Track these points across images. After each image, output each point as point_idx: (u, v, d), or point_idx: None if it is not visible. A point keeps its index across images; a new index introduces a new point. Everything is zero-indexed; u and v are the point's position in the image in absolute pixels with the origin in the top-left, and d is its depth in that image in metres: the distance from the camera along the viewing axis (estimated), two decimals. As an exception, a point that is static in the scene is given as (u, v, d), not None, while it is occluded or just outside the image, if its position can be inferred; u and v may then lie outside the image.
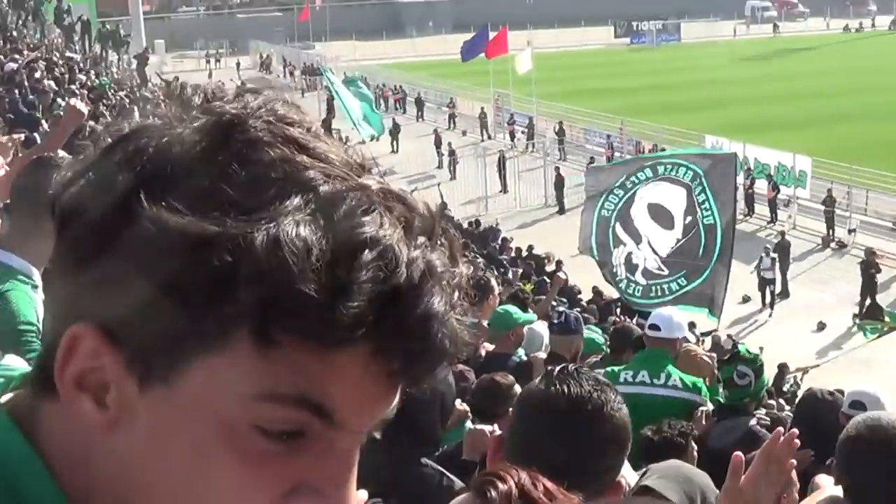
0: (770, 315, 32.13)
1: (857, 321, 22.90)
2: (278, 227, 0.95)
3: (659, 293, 18.73)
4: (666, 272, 18.79)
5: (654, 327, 8.14)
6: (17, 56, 29.46)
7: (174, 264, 0.95)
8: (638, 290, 19.11)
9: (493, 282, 10.27)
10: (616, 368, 8.12)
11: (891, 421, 3.92)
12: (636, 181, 18.76)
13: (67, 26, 47.48)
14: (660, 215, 18.67)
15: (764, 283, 32.67)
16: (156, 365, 0.99)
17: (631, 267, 19.01)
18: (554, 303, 18.80)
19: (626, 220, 18.91)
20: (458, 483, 5.32)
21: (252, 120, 1.02)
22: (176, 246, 0.95)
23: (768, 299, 32.89)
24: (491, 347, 9.06)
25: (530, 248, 34.03)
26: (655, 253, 18.82)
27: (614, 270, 19.34)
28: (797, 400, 7.79)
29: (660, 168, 18.80)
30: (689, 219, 18.42)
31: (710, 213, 18.22)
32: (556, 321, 9.43)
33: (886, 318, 23.54)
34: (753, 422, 7.75)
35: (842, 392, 7.85)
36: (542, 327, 9.77)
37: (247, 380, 0.98)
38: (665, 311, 8.37)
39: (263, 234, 0.94)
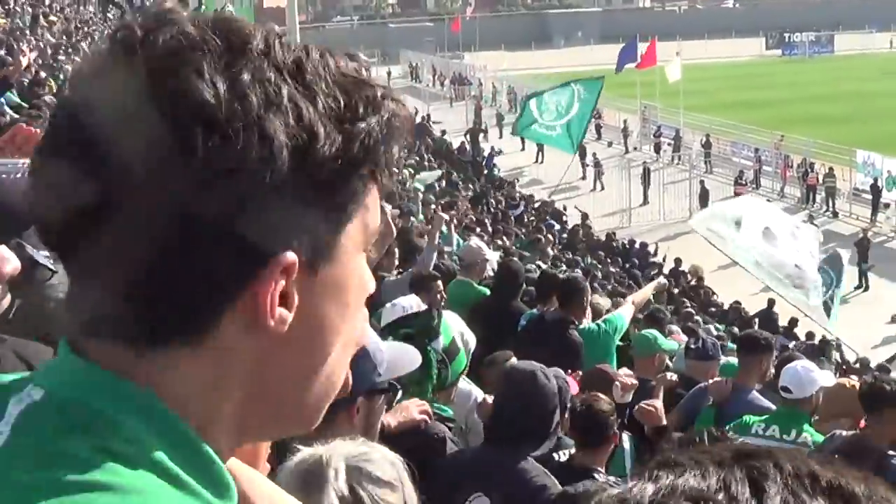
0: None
1: None
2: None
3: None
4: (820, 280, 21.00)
5: (786, 389, 7.93)
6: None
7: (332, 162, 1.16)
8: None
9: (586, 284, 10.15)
10: (750, 419, 7.98)
11: None
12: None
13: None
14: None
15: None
16: (324, 252, 1.19)
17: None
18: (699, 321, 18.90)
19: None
20: (556, 485, 5.28)
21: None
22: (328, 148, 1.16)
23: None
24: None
25: (677, 261, 33.58)
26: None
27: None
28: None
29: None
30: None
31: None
32: (693, 345, 9.44)
33: None
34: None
35: None
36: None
37: (373, 219, 1.25)
38: (796, 369, 8.10)
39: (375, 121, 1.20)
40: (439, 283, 9.86)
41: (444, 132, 53.07)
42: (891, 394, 7.12)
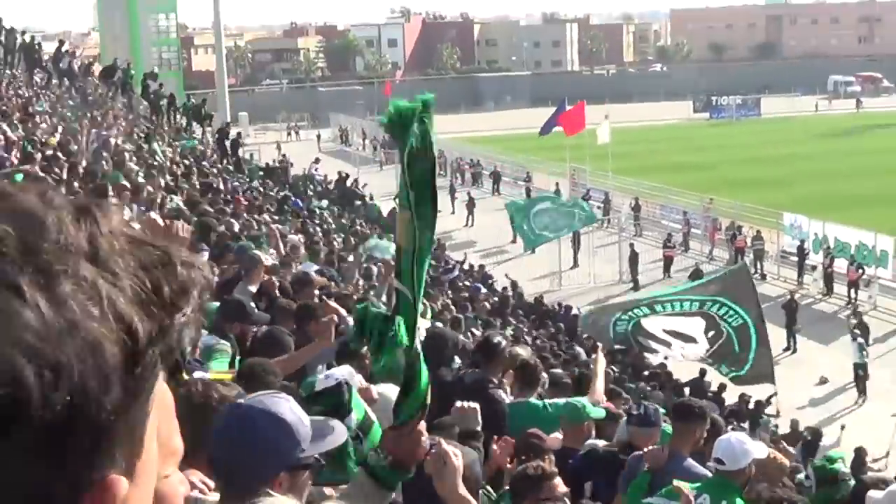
0: (862, 402, 31.15)
1: None
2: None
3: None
4: (711, 362, 21.17)
5: (719, 461, 7.98)
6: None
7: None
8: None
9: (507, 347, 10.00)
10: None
11: None
12: (635, 315, 20.35)
13: (154, 100, 48.02)
14: (679, 336, 20.34)
15: (856, 370, 31.58)
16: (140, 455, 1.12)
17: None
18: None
19: (646, 335, 20.60)
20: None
21: None
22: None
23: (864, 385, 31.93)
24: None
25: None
26: (696, 351, 20.76)
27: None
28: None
29: (657, 306, 20.45)
30: (712, 333, 19.91)
31: (736, 316, 19.75)
32: (635, 412, 9.39)
33: None
34: None
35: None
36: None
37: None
38: (730, 441, 8.11)
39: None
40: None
41: (371, 196, 52.90)
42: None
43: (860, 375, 31.41)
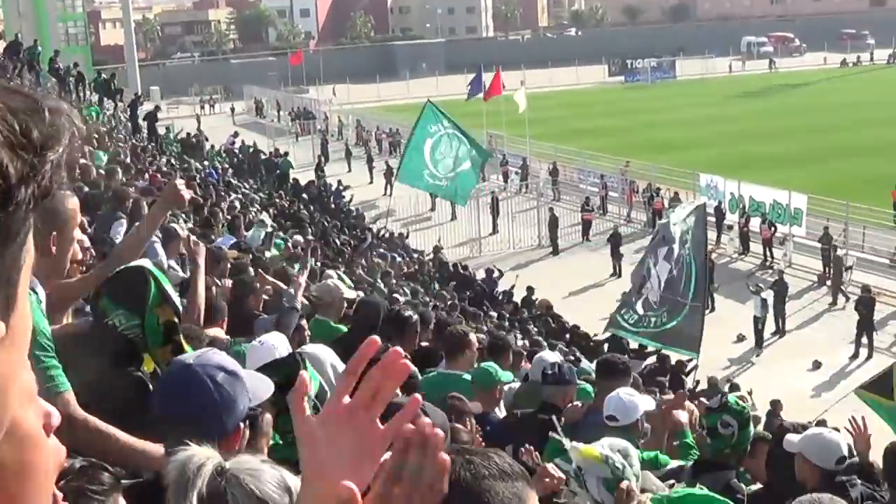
0: (758, 355, 31.73)
1: (859, 390, 22.58)
2: None
3: (646, 324, 21.12)
4: (656, 307, 20.99)
5: (612, 418, 8.01)
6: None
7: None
8: (632, 317, 21.12)
9: (472, 336, 9.97)
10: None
11: None
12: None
13: (62, 76, 47.26)
14: (668, 257, 20.91)
15: (755, 323, 32.27)
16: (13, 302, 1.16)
17: (638, 294, 21.19)
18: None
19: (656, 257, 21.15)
20: None
21: None
22: None
23: (761, 338, 32.54)
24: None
25: (529, 289, 33.55)
26: (659, 283, 20.85)
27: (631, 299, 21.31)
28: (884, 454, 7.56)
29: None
30: (677, 252, 20.59)
31: (689, 255, 20.54)
32: (549, 371, 9.36)
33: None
34: (732, 476, 7.65)
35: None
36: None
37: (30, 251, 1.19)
38: (619, 397, 8.15)
39: None
40: (304, 321, 9.71)
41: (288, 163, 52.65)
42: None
43: (759, 329, 32.08)
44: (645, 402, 8.32)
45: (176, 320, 4.86)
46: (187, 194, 6.25)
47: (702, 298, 20.81)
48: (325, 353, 7.15)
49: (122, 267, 4.99)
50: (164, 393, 3.81)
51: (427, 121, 34.23)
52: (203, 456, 2.90)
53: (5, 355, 1.13)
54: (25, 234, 1.12)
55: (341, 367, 6.49)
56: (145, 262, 5.19)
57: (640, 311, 21.13)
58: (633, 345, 27.02)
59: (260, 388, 3.96)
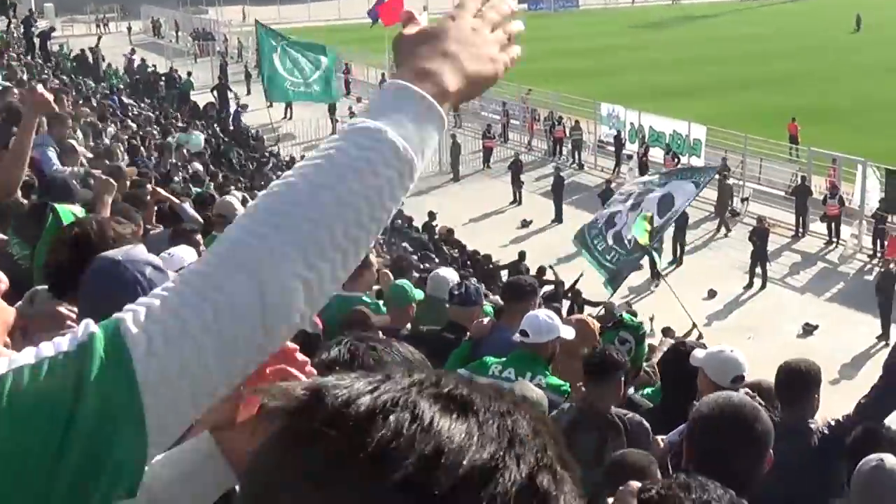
0: (656, 285, 32.07)
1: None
2: None
3: (611, 259, 21.10)
4: (626, 244, 20.96)
5: (524, 333, 8.08)
6: None
7: None
8: (602, 244, 21.14)
9: (371, 257, 9.96)
10: (490, 360, 8.14)
11: (741, 400, 4.36)
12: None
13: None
14: (663, 203, 20.81)
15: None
16: None
17: (610, 223, 21.02)
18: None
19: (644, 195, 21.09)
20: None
21: None
22: None
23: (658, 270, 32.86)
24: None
25: (431, 214, 33.53)
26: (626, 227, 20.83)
27: (595, 224, 21.33)
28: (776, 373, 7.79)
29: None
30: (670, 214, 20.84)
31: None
32: (456, 292, 9.44)
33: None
34: (631, 391, 7.90)
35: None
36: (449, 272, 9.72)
37: None
38: (537, 316, 8.21)
39: None
40: (200, 237, 9.79)
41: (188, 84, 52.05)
42: (616, 363, 7.19)
43: (653, 262, 32.39)
44: (565, 331, 8.28)
45: None
46: (49, 96, 6.38)
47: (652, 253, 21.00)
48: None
49: (31, 203, 5.00)
50: (92, 289, 3.67)
51: (264, 42, 35.34)
52: None
53: None
54: None
55: None
56: (62, 208, 5.16)
57: (610, 240, 21.06)
58: (532, 271, 27.27)
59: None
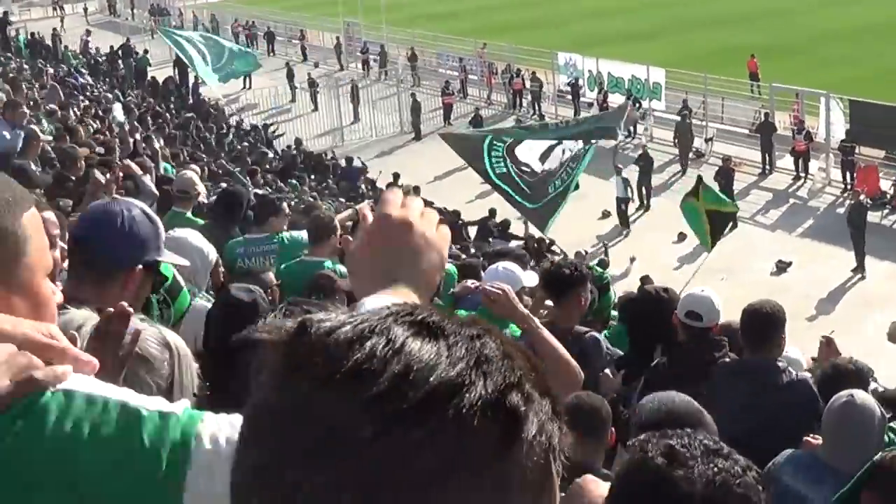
0: (626, 234, 32.05)
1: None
2: None
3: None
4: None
5: None
6: None
7: None
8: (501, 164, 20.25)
9: (335, 223, 9.82)
10: (458, 313, 7.94)
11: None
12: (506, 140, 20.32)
13: None
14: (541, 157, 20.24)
15: (618, 204, 32.49)
16: None
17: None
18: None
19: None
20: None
21: None
22: None
23: (627, 219, 32.84)
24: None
25: (396, 176, 33.41)
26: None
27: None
28: (631, 298, 7.83)
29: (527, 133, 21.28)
30: (549, 168, 20.06)
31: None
32: None
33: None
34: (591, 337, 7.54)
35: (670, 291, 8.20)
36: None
37: None
38: (497, 270, 8.12)
39: None
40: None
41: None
42: (572, 278, 7.26)
43: (623, 210, 32.36)
44: (527, 277, 8.28)
45: None
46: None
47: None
48: (194, 238, 7.09)
49: None
50: (79, 223, 3.93)
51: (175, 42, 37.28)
52: (81, 317, 2.86)
53: None
54: None
55: (211, 249, 6.90)
56: None
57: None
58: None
59: (179, 253, 4.24)
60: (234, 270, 8.88)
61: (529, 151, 20.26)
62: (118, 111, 29.59)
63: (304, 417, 1.16)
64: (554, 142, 20.25)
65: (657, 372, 7.18)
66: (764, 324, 6.97)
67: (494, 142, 20.01)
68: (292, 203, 17.21)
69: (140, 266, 3.80)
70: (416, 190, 30.69)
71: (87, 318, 2.86)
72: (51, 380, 1.64)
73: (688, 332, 7.28)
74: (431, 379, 1.15)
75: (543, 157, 20.22)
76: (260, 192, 18.92)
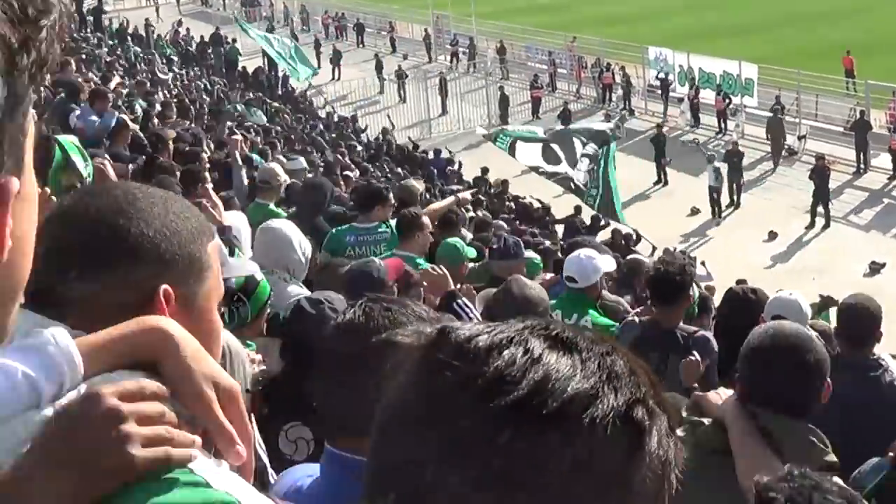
0: (717, 225, 31.69)
1: None
2: None
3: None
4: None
5: (571, 279, 8.23)
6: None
7: None
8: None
9: (425, 218, 9.67)
10: None
11: (793, 329, 4.18)
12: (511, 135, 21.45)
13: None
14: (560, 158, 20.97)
15: (711, 193, 32.19)
16: (21, 164, 1.26)
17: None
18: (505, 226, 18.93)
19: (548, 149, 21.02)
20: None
21: None
22: None
23: (720, 208, 32.49)
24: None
25: (484, 170, 33.27)
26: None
27: (570, 181, 21.35)
28: (722, 299, 7.75)
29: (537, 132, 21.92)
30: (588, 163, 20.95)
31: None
32: (495, 246, 9.59)
33: None
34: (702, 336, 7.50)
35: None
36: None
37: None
38: (579, 258, 8.28)
39: None
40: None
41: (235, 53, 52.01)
42: (682, 283, 7.23)
43: (714, 198, 32.03)
44: (606, 263, 8.42)
45: (79, 185, 4.96)
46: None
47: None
48: (290, 229, 7.19)
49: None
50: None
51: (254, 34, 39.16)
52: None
53: (22, 208, 1.26)
54: (29, 103, 1.21)
55: (305, 243, 7.01)
56: (63, 138, 5.38)
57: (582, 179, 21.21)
58: (587, 222, 27.01)
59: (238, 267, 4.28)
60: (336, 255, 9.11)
61: (529, 154, 20.79)
62: (260, 117, 30.07)
63: (443, 418, 1.22)
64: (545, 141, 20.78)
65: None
66: (861, 319, 6.75)
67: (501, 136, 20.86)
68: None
69: None
70: (505, 183, 30.57)
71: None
72: (185, 460, 1.54)
73: None
74: (569, 389, 1.22)
75: (549, 158, 20.66)
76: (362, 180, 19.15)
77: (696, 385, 6.34)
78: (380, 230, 9.78)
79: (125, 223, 1.77)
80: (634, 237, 25.52)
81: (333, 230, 9.87)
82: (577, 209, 27.59)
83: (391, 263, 6.74)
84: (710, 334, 7.37)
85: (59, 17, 1.22)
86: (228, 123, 23.33)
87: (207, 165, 11.57)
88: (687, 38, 49.54)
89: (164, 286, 1.73)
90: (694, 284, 8.16)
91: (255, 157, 17.81)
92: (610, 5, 67.87)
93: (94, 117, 13.34)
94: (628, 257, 12.25)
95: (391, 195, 10.55)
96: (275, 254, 6.87)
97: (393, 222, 9.78)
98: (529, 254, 11.79)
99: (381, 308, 2.69)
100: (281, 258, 6.91)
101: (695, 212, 32.27)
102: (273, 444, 4.48)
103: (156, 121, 17.67)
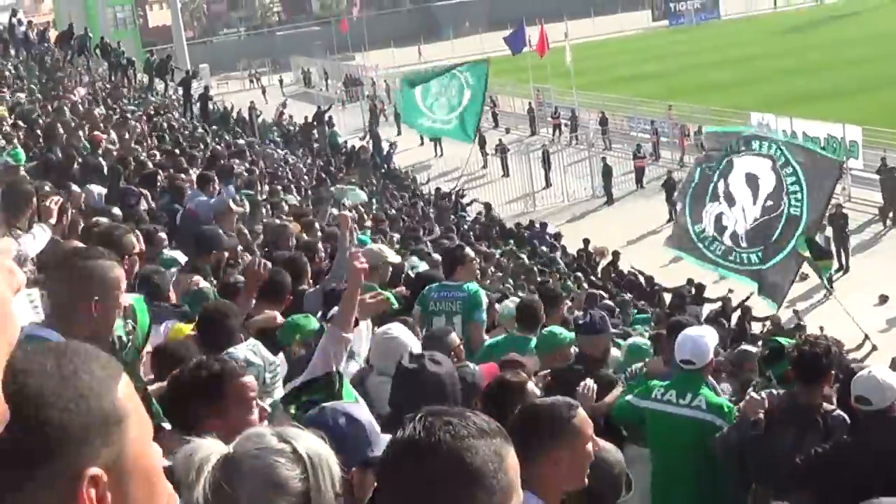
0: (826, 296, 31.42)
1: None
2: None
3: (737, 260, 19.58)
4: (745, 244, 19.51)
5: (688, 362, 8.16)
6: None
7: None
8: (720, 248, 19.77)
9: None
10: (653, 384, 8.35)
11: None
12: (731, 149, 19.77)
13: (114, 61, 47.38)
14: (752, 186, 19.35)
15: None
16: None
17: (720, 227, 19.73)
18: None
19: (725, 180, 19.69)
20: None
21: None
22: None
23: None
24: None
25: (585, 241, 33.48)
26: (745, 220, 19.49)
27: (702, 226, 19.91)
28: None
29: (754, 143, 19.76)
30: (770, 203, 19.05)
31: (799, 205, 18.72)
32: (581, 321, 9.36)
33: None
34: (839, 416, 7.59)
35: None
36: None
37: None
38: (694, 340, 8.23)
39: None
40: None
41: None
42: (828, 365, 7.34)
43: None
44: (712, 337, 8.41)
45: None
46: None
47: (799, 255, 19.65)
48: (404, 335, 7.06)
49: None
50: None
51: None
52: (207, 449, 2.73)
53: None
54: None
55: (416, 346, 6.72)
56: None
57: (728, 242, 20.02)
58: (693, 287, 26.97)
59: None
60: (424, 311, 9.87)
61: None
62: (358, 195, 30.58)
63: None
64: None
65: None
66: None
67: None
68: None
69: (353, 469, 3.76)
70: (615, 254, 30.70)
71: (213, 450, 2.74)
72: None
73: (863, 416, 7.03)
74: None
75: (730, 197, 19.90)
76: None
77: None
78: (461, 290, 10.09)
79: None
80: (745, 309, 25.39)
81: (425, 289, 10.30)
82: (689, 281, 27.48)
83: (486, 370, 6.71)
84: (845, 415, 7.33)
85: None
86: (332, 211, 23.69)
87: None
88: (786, 103, 49.49)
89: (90, 472, 1.59)
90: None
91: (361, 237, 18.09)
92: (710, 73, 68.02)
93: (206, 197, 13.95)
94: (738, 349, 12.20)
95: (471, 255, 11.08)
96: (391, 361, 6.64)
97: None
98: (637, 339, 12.10)
99: (442, 422, 2.55)
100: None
101: (803, 277, 32.04)
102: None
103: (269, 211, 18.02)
